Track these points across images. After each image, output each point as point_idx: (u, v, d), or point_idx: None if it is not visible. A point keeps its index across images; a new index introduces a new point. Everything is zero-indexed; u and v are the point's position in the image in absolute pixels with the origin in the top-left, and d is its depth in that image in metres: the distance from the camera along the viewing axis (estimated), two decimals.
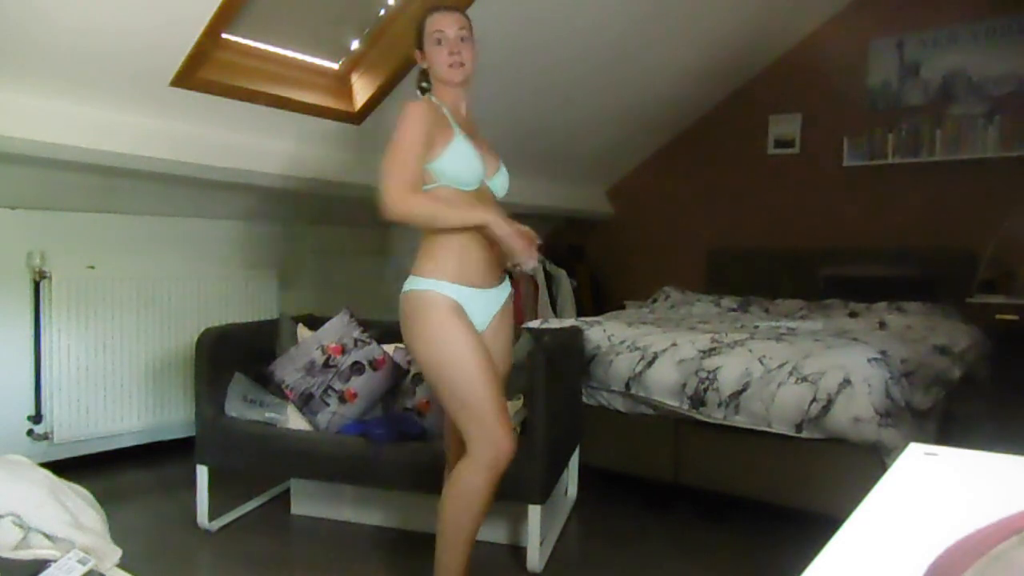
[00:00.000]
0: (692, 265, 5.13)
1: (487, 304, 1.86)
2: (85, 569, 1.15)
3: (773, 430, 2.48)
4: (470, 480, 1.75)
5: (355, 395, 2.57)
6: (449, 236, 1.79)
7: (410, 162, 1.70)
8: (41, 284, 3.03)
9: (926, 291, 3.89)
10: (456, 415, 1.77)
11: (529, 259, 1.76)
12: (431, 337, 1.75)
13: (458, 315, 1.76)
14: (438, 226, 1.77)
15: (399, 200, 1.68)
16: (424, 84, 1.90)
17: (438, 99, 1.85)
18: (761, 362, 2.55)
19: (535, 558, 2.28)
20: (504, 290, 1.93)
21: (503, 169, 1.93)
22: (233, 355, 2.66)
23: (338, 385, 2.58)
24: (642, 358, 2.78)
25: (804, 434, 2.43)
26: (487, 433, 1.73)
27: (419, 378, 2.57)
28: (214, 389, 2.57)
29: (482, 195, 1.85)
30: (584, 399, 2.92)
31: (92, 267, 3.19)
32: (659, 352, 2.76)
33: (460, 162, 1.76)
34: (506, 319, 1.94)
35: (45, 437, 3.05)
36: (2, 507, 1.22)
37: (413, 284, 1.79)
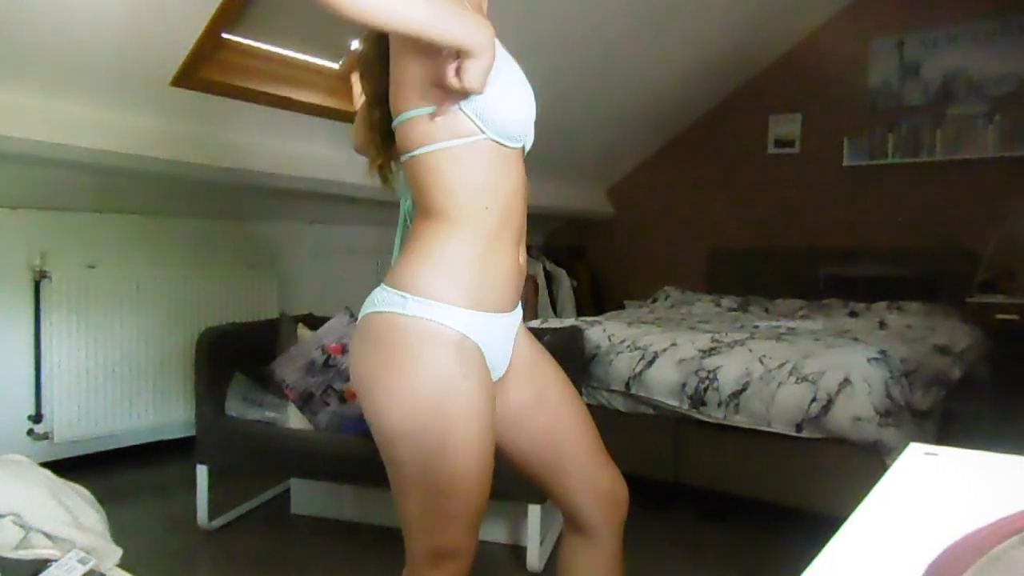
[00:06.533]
0: (692, 265, 5.13)
1: (506, 337, 1.19)
2: (85, 569, 1.15)
3: (773, 430, 2.48)
4: None
5: (355, 395, 2.57)
6: (468, 220, 1.06)
7: None
8: (41, 284, 3.03)
9: (926, 291, 3.89)
10: (410, 507, 1.09)
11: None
12: (418, 393, 1.04)
13: (471, 362, 1.07)
14: (425, 36, 0.94)
15: None
16: None
17: None
18: (761, 362, 2.55)
19: (535, 558, 2.29)
20: (519, 310, 1.25)
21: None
22: (233, 355, 2.66)
23: (338, 385, 2.58)
24: (642, 358, 2.78)
25: (804, 434, 2.43)
26: (442, 541, 1.09)
27: None
28: (214, 389, 2.57)
29: (517, 155, 1.17)
30: (584, 399, 2.92)
31: (92, 267, 3.19)
32: (659, 352, 2.76)
33: (508, 97, 1.08)
34: (535, 346, 1.30)
35: (45, 437, 3.05)
36: (2, 507, 1.22)
37: (392, 303, 1.06)
